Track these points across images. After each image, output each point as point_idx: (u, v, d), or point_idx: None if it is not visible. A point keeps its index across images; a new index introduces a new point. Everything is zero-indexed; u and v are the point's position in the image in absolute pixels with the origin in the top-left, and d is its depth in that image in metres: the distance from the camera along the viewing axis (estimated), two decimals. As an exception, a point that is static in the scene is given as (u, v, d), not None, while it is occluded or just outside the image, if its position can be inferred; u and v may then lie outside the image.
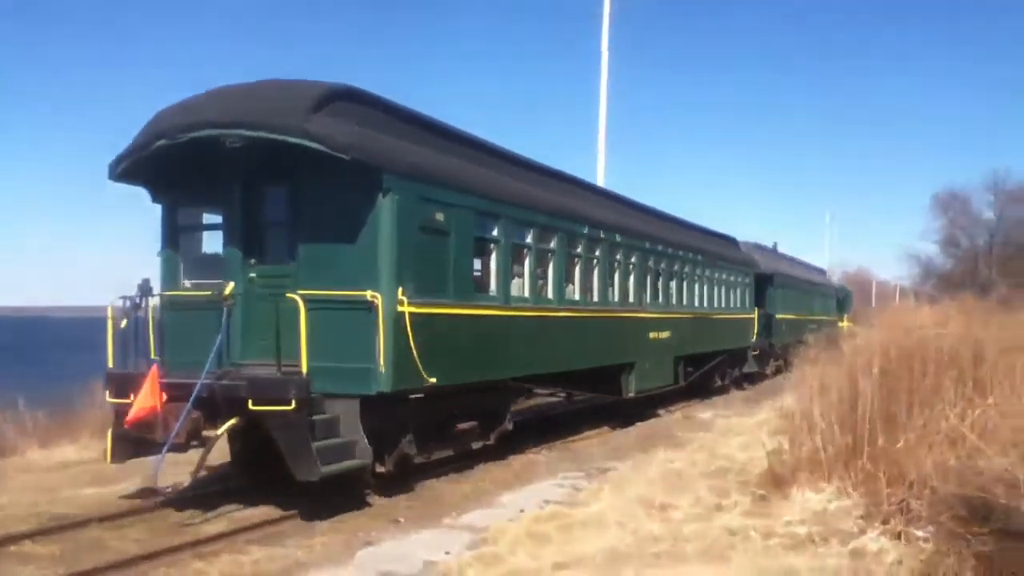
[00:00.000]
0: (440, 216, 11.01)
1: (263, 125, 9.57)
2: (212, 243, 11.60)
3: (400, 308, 10.04)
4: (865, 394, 9.00)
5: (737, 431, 14.50)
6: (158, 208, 11.34)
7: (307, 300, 9.56)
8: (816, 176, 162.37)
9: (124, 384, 10.04)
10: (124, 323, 10.40)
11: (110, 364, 10.48)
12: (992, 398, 9.07)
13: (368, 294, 9.84)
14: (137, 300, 10.42)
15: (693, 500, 9.35)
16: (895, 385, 9.27)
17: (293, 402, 9.11)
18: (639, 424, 17.51)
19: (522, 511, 9.43)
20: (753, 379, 27.82)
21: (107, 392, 10.35)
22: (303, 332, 9.38)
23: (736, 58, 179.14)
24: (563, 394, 17.45)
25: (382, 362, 9.88)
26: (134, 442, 10.03)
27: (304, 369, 9.35)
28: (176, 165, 10.60)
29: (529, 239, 13.35)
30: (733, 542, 7.63)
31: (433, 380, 10.52)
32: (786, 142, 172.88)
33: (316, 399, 9.62)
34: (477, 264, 12.26)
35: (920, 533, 7.25)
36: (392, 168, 10.09)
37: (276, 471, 10.04)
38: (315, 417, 9.53)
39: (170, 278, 11.22)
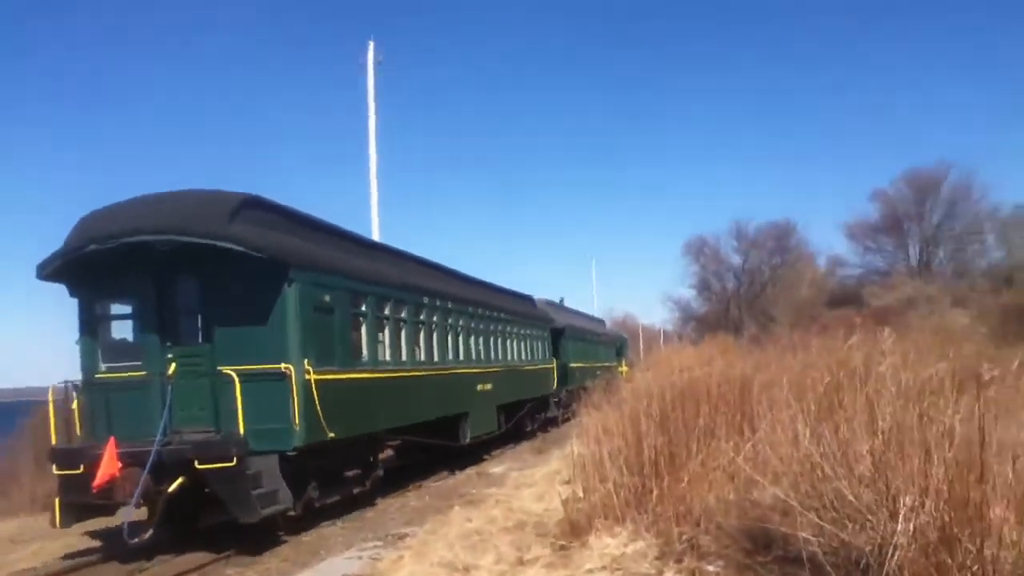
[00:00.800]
0: (327, 298, 13.50)
1: (192, 232, 11.74)
2: (123, 330, 13.46)
3: (307, 376, 12.43)
4: (648, 436, 9.50)
5: (529, 483, 15.10)
6: (74, 300, 13.08)
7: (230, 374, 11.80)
8: (581, 229, 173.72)
9: (70, 457, 11.81)
10: (75, 403, 12.15)
11: (53, 440, 12.16)
12: (760, 431, 9.49)
13: (282, 366, 12.18)
14: (79, 384, 12.20)
15: (495, 558, 9.43)
16: (674, 425, 9.76)
17: (235, 459, 11.31)
18: (431, 484, 18.12)
19: (320, 589, 9.26)
20: (555, 423, 31.40)
21: (53, 465, 11.97)
22: (239, 400, 11.61)
23: (494, 118, 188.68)
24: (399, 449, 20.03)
25: (296, 421, 12.19)
26: (78, 508, 11.84)
27: (242, 430, 11.57)
28: (95, 264, 12.47)
29: (387, 311, 16.03)
30: (539, 596, 7.60)
31: (332, 435, 12.92)
32: (551, 197, 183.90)
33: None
34: (353, 335, 14.75)
35: (711, 568, 7.58)
36: (295, 262, 12.53)
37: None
38: (244, 472, 11.68)
39: (89, 362, 12.94)
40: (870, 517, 6.23)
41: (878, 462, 6.45)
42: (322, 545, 12.43)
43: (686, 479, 8.92)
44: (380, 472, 15.78)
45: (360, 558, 11.18)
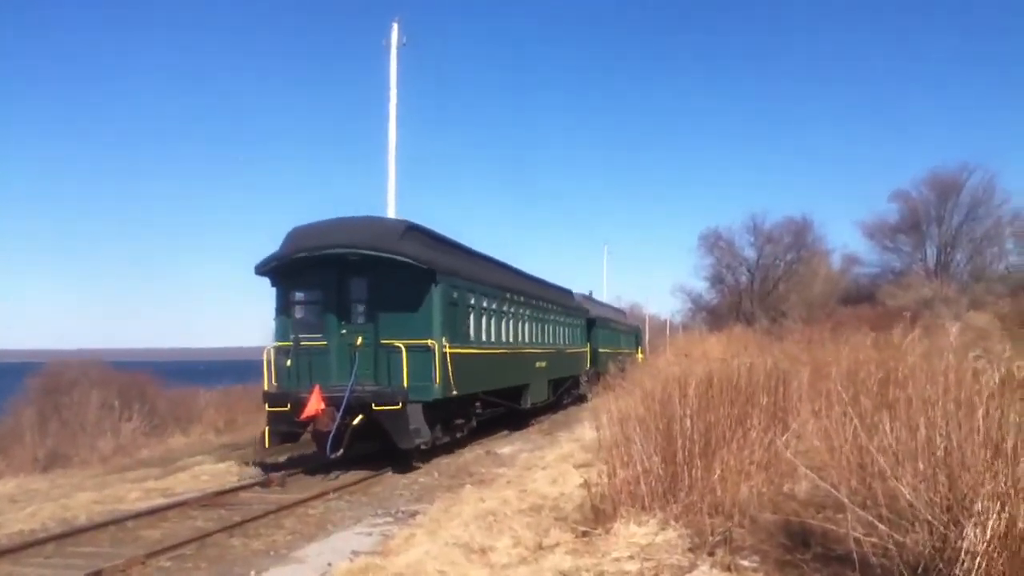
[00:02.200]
0: (455, 294, 19.51)
1: (376, 248, 17.72)
2: (301, 311, 19.38)
3: (444, 349, 18.39)
4: (683, 424, 9.33)
5: (541, 465, 15.78)
6: (274, 289, 19.03)
7: (392, 347, 17.68)
8: (593, 217, 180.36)
9: (279, 398, 17.80)
10: (289, 362, 18.14)
11: (266, 387, 18.20)
12: (796, 424, 9.53)
13: (428, 341, 18.11)
14: (290, 350, 18.22)
15: (513, 541, 9.32)
16: (707, 414, 9.57)
17: (400, 404, 17.26)
18: (440, 461, 19.17)
19: (330, 565, 9.41)
20: (584, 399, 37.36)
21: (266, 404, 18.00)
22: (404, 364, 17.54)
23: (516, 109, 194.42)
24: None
25: (437, 381, 18.13)
26: (281, 435, 17.83)
27: (405, 385, 17.50)
28: (295, 264, 18.41)
29: (484, 304, 22.10)
30: (566, 583, 7.56)
31: (455, 392, 18.90)
32: (568, 187, 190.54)
33: (397, 403, 17.68)
34: (467, 321, 20.72)
35: (746, 563, 7.42)
36: (440, 270, 18.51)
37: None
38: (399, 413, 17.62)
39: (283, 334, 18.89)
40: (930, 518, 6.04)
41: (942, 461, 6.26)
42: (329, 519, 12.97)
43: (718, 469, 8.91)
44: (474, 423, 21.81)
45: (370, 534, 11.45)
